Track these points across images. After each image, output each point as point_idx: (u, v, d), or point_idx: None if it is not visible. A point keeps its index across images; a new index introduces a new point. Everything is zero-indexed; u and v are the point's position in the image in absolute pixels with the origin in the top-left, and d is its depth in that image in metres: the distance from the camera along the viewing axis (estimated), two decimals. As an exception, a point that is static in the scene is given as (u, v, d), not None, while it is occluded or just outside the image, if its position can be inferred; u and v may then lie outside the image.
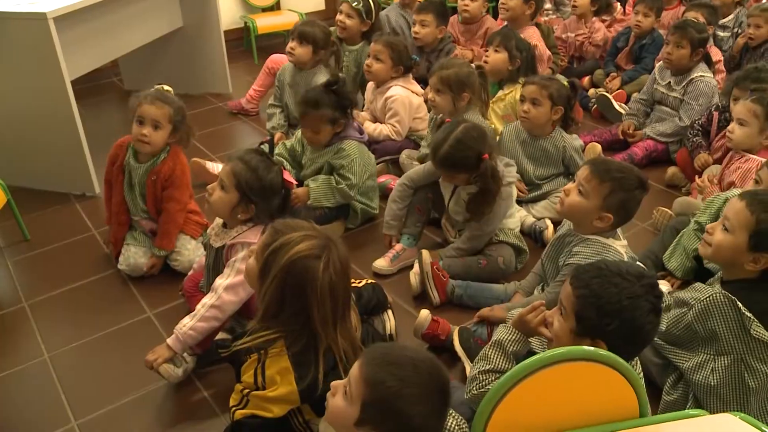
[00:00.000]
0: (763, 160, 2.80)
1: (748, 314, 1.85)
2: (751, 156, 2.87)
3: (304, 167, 3.11)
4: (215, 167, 3.41)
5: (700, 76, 3.60)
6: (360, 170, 2.98)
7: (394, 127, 3.53)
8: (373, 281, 2.42)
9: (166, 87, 2.75)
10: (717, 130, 3.35)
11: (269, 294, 1.72)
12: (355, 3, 3.94)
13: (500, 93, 3.61)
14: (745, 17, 4.43)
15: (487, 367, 1.79)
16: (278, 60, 4.22)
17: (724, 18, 4.63)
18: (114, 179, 2.80)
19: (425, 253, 2.61)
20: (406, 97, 3.54)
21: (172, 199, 2.76)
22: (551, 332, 1.73)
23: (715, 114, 3.37)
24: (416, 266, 2.65)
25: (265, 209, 2.29)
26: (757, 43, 4.15)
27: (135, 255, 2.79)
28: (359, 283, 2.34)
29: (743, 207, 1.94)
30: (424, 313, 2.37)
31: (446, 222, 2.92)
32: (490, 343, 1.85)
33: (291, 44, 3.65)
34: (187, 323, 2.18)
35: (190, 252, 2.81)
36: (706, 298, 1.91)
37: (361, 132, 3.09)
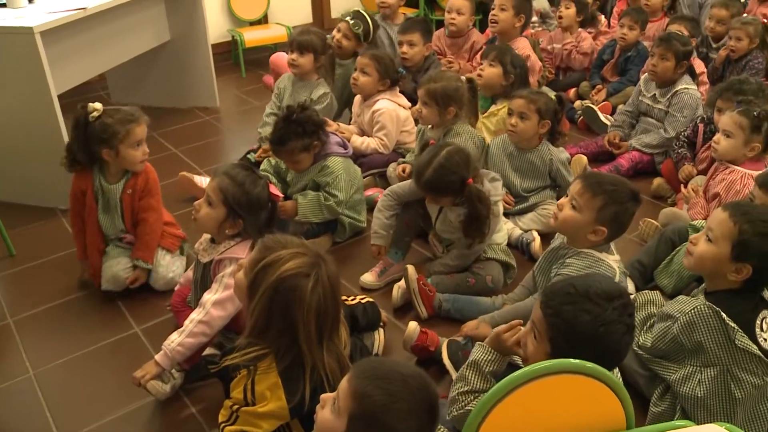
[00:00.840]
0: (747, 171, 2.84)
1: (733, 325, 1.86)
2: (736, 167, 2.90)
3: (291, 185, 3.10)
4: (203, 181, 3.41)
5: (685, 88, 3.64)
6: (346, 186, 2.98)
7: (382, 140, 3.54)
8: (369, 299, 2.41)
9: (97, 105, 2.66)
10: (702, 142, 3.38)
11: (257, 310, 1.72)
12: (354, 25, 3.94)
13: (493, 108, 3.62)
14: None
15: (466, 389, 1.79)
16: (279, 60, 4.23)
17: (719, 41, 4.67)
18: (88, 211, 2.73)
19: (410, 268, 2.61)
20: (393, 111, 3.55)
21: (149, 209, 2.75)
22: (525, 353, 1.72)
23: (701, 126, 3.40)
24: (402, 280, 2.66)
25: (253, 223, 2.28)
26: (738, 55, 4.20)
27: (115, 267, 2.74)
28: (352, 300, 2.35)
29: (726, 217, 1.96)
30: (413, 326, 2.37)
31: (433, 237, 2.93)
32: (466, 363, 1.85)
33: (292, 56, 3.65)
34: (175, 339, 2.17)
35: (165, 268, 2.80)
36: (691, 311, 1.93)
37: (344, 146, 3.08)
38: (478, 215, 2.57)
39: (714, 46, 4.60)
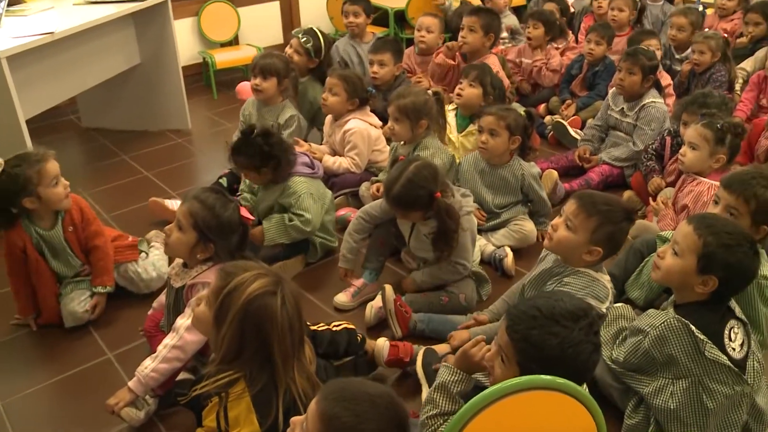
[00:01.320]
0: (714, 183, 2.88)
1: (702, 337, 1.89)
2: (703, 179, 2.95)
3: (257, 204, 3.09)
4: (174, 204, 3.39)
5: (652, 102, 3.71)
6: (312, 204, 2.95)
7: (353, 159, 3.55)
8: (348, 326, 2.37)
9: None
10: (670, 154, 3.43)
11: (228, 337, 1.71)
12: (305, 41, 3.96)
13: (471, 127, 3.62)
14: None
15: (434, 412, 1.78)
16: (243, 89, 4.24)
17: (682, 53, 4.77)
18: (35, 264, 2.65)
19: (388, 288, 2.60)
20: (364, 130, 3.56)
21: (96, 235, 2.74)
22: (493, 377, 1.70)
23: (668, 138, 3.46)
24: (376, 300, 2.67)
25: (225, 247, 2.27)
26: (702, 68, 4.29)
27: (70, 305, 2.69)
28: (329, 326, 2.33)
29: (691, 231, 1.98)
30: (381, 341, 2.37)
31: (406, 255, 2.93)
32: (434, 386, 1.85)
33: (255, 81, 3.62)
34: (148, 365, 2.15)
35: (144, 272, 2.85)
36: (660, 324, 1.95)
37: (312, 166, 3.08)
38: (446, 229, 2.58)
39: (677, 56, 4.69)
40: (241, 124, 3.85)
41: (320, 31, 4.05)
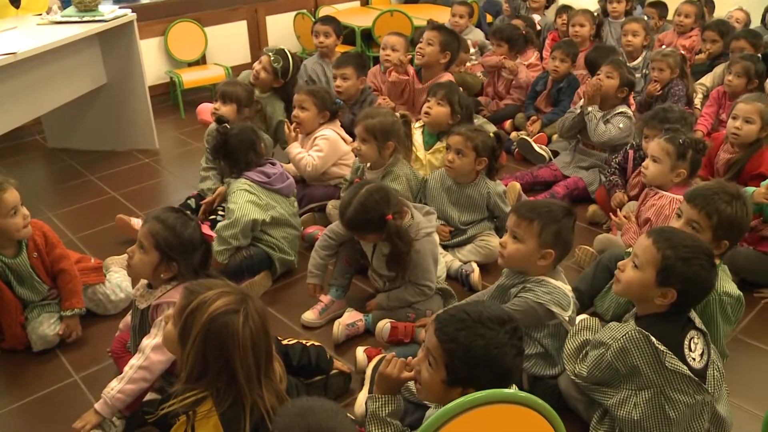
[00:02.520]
0: (675, 196, 2.94)
1: (662, 348, 1.93)
2: (665, 193, 3.00)
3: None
4: (140, 224, 3.37)
5: (624, 110, 3.83)
6: (242, 202, 2.98)
7: (314, 160, 3.53)
8: (315, 343, 2.40)
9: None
10: (633, 168, 3.50)
11: (192, 355, 1.71)
12: (274, 60, 3.99)
13: (438, 145, 3.64)
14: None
15: None
16: (203, 109, 4.25)
17: (633, 61, 4.90)
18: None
19: (360, 353, 2.56)
20: (335, 140, 3.60)
21: (61, 258, 2.72)
22: (420, 380, 1.76)
23: (631, 152, 3.53)
24: (345, 316, 2.70)
25: (188, 265, 2.27)
26: (662, 85, 4.40)
27: (39, 328, 2.66)
28: (289, 341, 2.34)
29: (650, 244, 2.03)
30: (382, 323, 2.59)
31: (373, 273, 2.94)
32: (366, 419, 1.89)
33: (215, 105, 3.64)
34: (115, 386, 2.14)
35: (112, 294, 2.85)
36: (622, 337, 1.99)
37: (269, 176, 3.10)
38: (398, 251, 2.62)
39: (631, 65, 4.77)
40: (206, 150, 3.85)
41: (291, 53, 4.09)
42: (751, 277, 2.99)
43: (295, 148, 3.56)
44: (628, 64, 4.78)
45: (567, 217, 2.29)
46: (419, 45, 4.34)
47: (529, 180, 3.95)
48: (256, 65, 4.06)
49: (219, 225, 2.99)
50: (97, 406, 2.13)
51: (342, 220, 2.66)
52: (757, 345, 2.71)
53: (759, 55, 4.33)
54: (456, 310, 1.73)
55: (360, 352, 2.52)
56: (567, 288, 2.32)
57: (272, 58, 3.99)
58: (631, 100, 4.33)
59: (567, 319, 2.24)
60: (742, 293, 2.37)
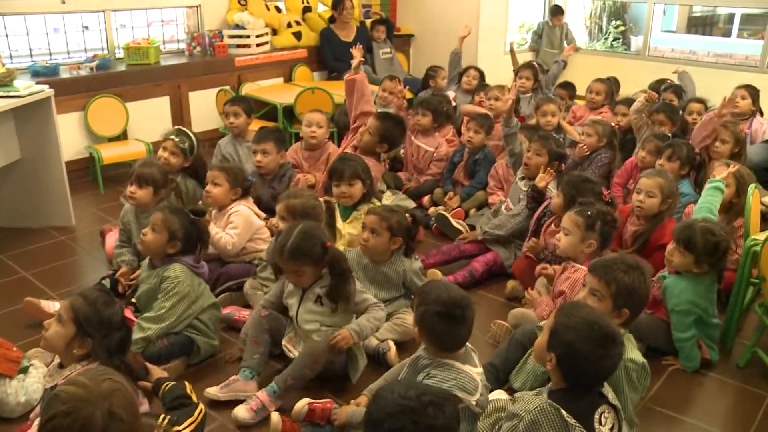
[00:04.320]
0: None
1: (572, 421, 1.98)
2: (580, 267, 3.08)
3: (141, 282, 3.09)
4: (51, 306, 3.28)
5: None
6: (169, 305, 2.92)
7: (232, 238, 3.54)
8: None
9: None
10: (540, 216, 3.71)
11: None
12: (180, 141, 4.04)
13: (355, 213, 3.74)
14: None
15: None
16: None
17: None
18: None
19: (274, 418, 2.58)
20: (248, 215, 3.63)
21: None
22: None
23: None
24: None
25: (103, 345, 2.23)
26: (589, 150, 4.65)
27: None
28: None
29: (554, 312, 2.12)
30: (300, 403, 2.57)
31: (287, 343, 2.92)
32: None
33: (130, 189, 3.61)
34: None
35: (14, 395, 2.66)
36: (534, 409, 2.03)
37: (198, 262, 3.07)
38: (342, 274, 2.77)
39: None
40: (121, 233, 3.82)
41: (190, 131, 4.17)
42: (654, 343, 3.11)
43: (211, 230, 3.52)
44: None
45: (433, 304, 2.30)
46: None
47: (455, 254, 4.01)
48: (162, 152, 4.08)
49: (145, 315, 2.92)
50: None
51: (281, 254, 2.73)
52: (666, 413, 2.80)
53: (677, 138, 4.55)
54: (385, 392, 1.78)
55: (302, 404, 2.57)
56: (476, 371, 2.33)
57: (178, 140, 4.05)
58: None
59: (474, 402, 2.25)
60: (646, 360, 2.46)
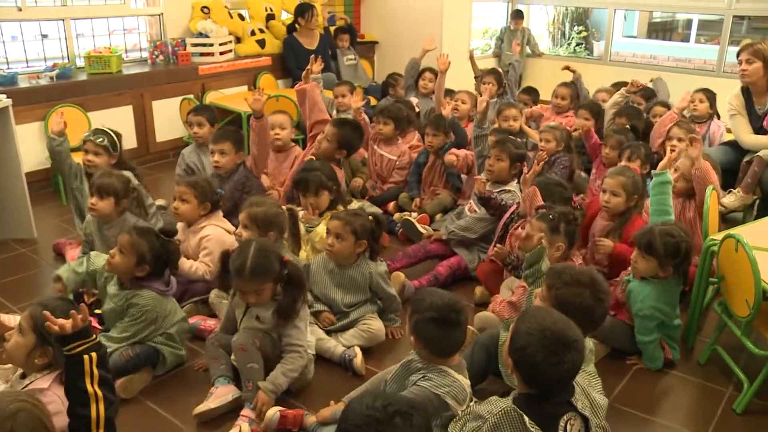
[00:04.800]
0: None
1: (534, 428, 1.97)
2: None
3: (105, 302, 3.00)
4: (12, 319, 3.22)
5: (507, 189, 4.02)
6: (146, 324, 2.90)
7: (208, 265, 3.50)
8: None
9: None
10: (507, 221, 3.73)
11: None
12: (100, 141, 3.99)
13: (322, 219, 3.70)
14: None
15: None
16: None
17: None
18: None
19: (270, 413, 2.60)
20: (220, 236, 3.54)
21: None
22: None
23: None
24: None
25: (63, 354, 2.19)
26: (549, 155, 4.67)
27: None
28: None
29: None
30: (271, 411, 2.58)
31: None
32: None
33: (91, 200, 3.54)
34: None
35: None
36: (498, 412, 2.03)
37: (168, 283, 3.02)
38: (299, 289, 2.76)
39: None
40: (84, 245, 3.76)
41: (108, 128, 4.12)
42: (618, 345, 3.17)
43: (185, 264, 3.45)
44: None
45: (428, 311, 2.35)
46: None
47: (421, 255, 4.03)
48: (86, 156, 4.02)
49: (109, 334, 2.86)
50: None
51: (241, 274, 2.67)
52: (632, 412, 2.84)
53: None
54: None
55: (273, 412, 2.59)
56: (466, 383, 2.36)
57: (98, 140, 3.99)
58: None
59: (460, 413, 2.28)
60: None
